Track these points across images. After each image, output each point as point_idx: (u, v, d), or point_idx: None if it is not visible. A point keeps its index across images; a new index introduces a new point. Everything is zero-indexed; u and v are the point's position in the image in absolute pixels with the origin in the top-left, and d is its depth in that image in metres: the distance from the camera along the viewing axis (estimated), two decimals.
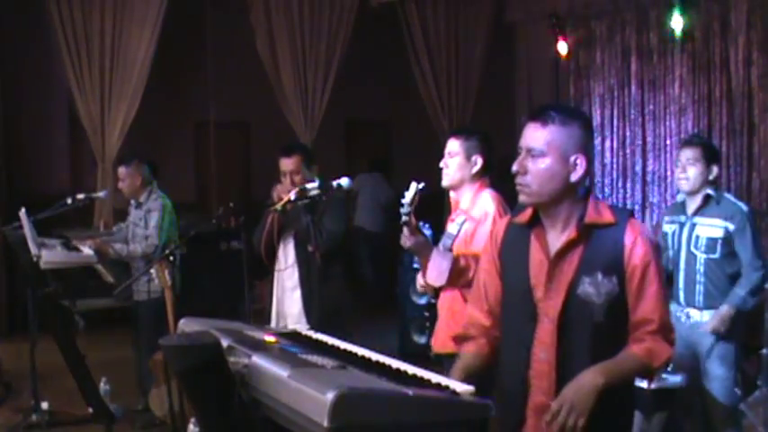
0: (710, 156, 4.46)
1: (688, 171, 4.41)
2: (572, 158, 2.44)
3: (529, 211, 2.55)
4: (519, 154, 2.50)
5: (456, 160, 3.77)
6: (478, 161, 3.76)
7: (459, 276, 3.56)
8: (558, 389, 2.37)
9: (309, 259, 4.56)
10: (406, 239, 3.60)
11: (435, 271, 3.60)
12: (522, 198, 2.51)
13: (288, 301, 4.71)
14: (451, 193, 3.86)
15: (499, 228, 2.70)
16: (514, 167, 2.49)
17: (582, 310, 2.41)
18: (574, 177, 2.45)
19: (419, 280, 3.95)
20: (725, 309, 4.34)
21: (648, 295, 2.42)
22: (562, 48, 8.18)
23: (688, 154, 4.43)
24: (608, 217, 2.46)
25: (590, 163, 2.50)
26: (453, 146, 3.79)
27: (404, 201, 3.51)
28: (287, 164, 4.64)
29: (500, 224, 2.73)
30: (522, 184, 2.48)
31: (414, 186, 3.50)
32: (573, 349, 2.42)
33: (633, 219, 2.49)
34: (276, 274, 4.75)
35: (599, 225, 2.45)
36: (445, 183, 3.83)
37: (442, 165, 3.82)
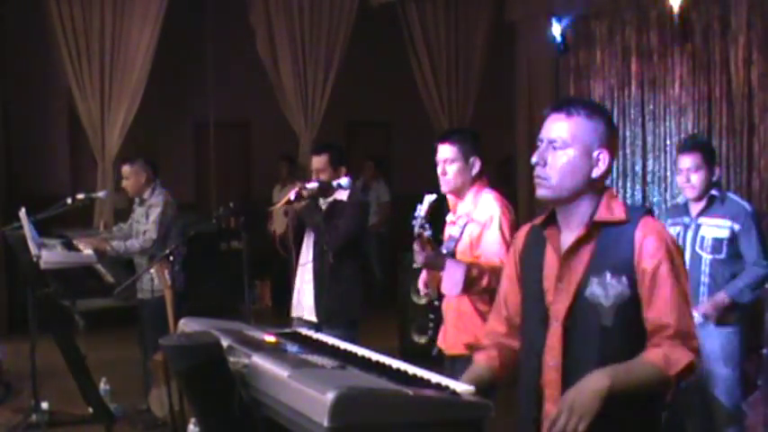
0: (711, 158, 4.45)
1: (692, 179, 4.37)
2: (595, 153, 2.33)
3: (546, 212, 2.45)
4: (538, 146, 2.38)
5: (454, 166, 3.69)
6: (476, 163, 3.71)
7: (471, 285, 3.47)
8: None
9: (324, 256, 4.66)
10: (418, 255, 3.47)
11: (450, 281, 3.49)
12: (539, 192, 2.38)
13: (306, 293, 4.85)
14: (449, 196, 3.81)
15: (521, 232, 2.59)
16: (534, 158, 2.36)
17: (589, 313, 2.28)
18: (596, 173, 2.34)
19: (421, 285, 3.92)
20: (720, 296, 4.33)
21: (661, 298, 2.25)
22: (558, 35, 8.12)
23: (688, 162, 4.38)
24: (620, 214, 2.33)
25: (613, 161, 2.38)
26: (447, 152, 3.70)
27: (417, 213, 3.41)
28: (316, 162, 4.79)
29: (522, 229, 2.61)
30: (541, 176, 2.35)
31: (427, 199, 3.40)
32: (580, 355, 2.29)
33: (648, 217, 2.35)
34: (299, 266, 4.90)
35: (610, 223, 2.32)
36: (446, 189, 3.75)
37: (439, 172, 3.74)
